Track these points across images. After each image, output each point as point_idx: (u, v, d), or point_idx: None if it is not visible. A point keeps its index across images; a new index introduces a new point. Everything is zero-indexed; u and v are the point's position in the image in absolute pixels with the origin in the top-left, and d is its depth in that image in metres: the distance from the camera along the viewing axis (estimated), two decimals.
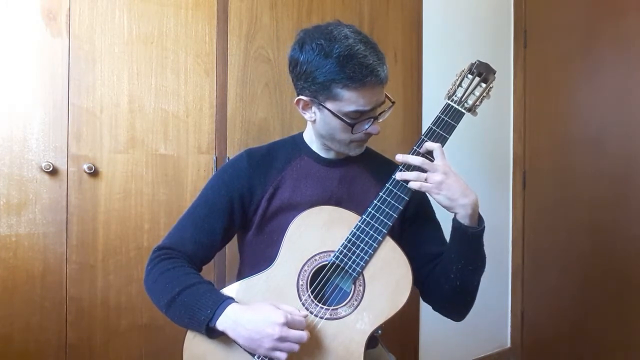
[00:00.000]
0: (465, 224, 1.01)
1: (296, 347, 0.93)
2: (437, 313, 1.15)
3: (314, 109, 1.08)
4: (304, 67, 1.03)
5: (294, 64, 1.06)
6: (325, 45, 1.00)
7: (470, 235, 1.01)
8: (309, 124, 1.15)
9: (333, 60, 0.99)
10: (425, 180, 1.02)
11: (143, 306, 1.52)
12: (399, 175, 1.04)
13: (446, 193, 1.00)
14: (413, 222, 1.16)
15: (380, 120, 1.09)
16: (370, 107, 1.03)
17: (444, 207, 1.03)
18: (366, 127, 1.06)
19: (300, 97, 1.08)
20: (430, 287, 1.11)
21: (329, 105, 1.04)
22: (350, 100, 1.01)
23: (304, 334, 0.93)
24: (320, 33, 1.02)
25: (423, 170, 1.03)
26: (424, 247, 1.12)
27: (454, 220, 1.03)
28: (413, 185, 1.03)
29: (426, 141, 1.06)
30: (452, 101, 1.10)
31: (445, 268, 1.06)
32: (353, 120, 1.04)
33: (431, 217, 1.18)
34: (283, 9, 1.75)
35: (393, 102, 1.10)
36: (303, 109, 1.10)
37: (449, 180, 1.00)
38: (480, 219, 1.04)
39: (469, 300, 1.09)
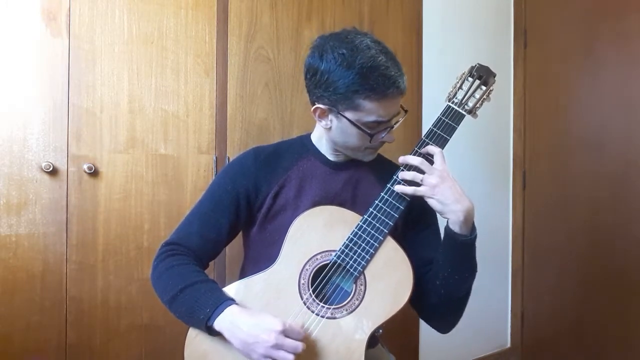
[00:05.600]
0: (456, 230, 1.01)
1: (291, 357, 0.91)
2: None
3: (330, 117, 1.07)
4: (325, 76, 1.02)
5: (312, 72, 1.05)
6: (348, 55, 0.99)
7: (459, 243, 1.01)
8: (318, 126, 1.15)
9: (356, 71, 0.98)
10: (421, 181, 1.02)
11: (143, 306, 1.52)
12: (400, 175, 1.05)
13: (439, 197, 1.00)
14: (414, 226, 1.16)
15: (394, 129, 1.10)
16: (389, 117, 1.05)
17: (437, 211, 1.03)
18: (383, 135, 1.07)
19: (318, 105, 1.07)
20: (418, 293, 1.09)
21: (348, 114, 1.04)
22: (370, 110, 1.02)
23: (299, 344, 0.92)
24: (341, 42, 1.01)
25: (421, 172, 1.03)
26: (420, 250, 1.11)
27: (446, 226, 1.03)
28: (407, 190, 1.03)
29: (427, 142, 1.07)
30: (452, 103, 1.11)
31: (434, 274, 1.06)
32: (371, 130, 1.05)
33: (432, 222, 1.17)
34: (283, 9, 1.75)
35: (406, 111, 1.11)
36: (319, 116, 1.09)
37: (443, 185, 1.00)
38: (473, 228, 1.03)
39: (453, 310, 1.08)
